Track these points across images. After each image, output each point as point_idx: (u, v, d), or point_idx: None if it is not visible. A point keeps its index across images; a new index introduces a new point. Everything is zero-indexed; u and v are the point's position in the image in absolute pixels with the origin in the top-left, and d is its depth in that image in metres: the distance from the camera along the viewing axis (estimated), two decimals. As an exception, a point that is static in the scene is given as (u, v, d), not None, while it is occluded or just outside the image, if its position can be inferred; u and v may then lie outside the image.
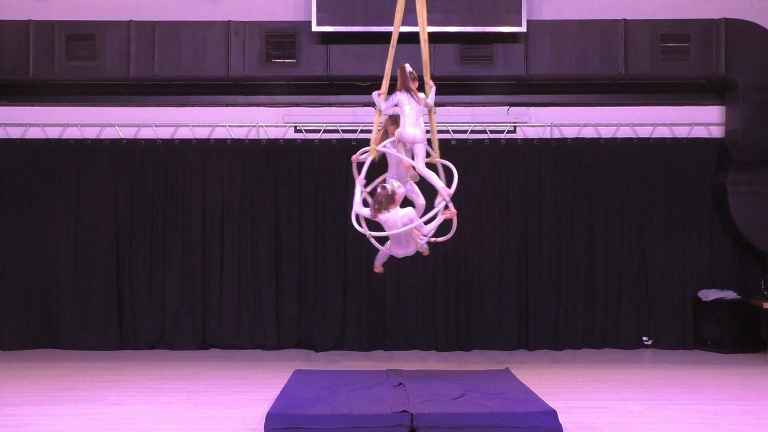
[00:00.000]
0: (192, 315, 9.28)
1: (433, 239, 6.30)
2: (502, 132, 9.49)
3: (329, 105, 9.47)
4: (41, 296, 9.29)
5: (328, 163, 9.39)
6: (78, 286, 9.28)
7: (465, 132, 9.44)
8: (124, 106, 9.43)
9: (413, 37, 7.81)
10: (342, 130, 9.47)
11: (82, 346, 9.14)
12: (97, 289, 9.27)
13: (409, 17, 6.95)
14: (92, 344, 9.14)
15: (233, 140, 9.45)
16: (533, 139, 9.48)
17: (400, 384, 6.37)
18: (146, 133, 9.47)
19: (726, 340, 8.92)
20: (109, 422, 5.84)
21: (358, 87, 9.06)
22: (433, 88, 6.48)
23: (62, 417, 5.98)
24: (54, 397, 6.63)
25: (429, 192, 6.47)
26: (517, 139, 9.49)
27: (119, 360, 8.57)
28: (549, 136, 9.51)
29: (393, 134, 6.29)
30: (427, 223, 6.19)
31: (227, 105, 9.46)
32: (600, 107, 9.51)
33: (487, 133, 9.47)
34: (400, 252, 6.25)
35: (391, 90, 6.44)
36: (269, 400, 6.06)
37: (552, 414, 5.42)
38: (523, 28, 8.39)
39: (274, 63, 8.60)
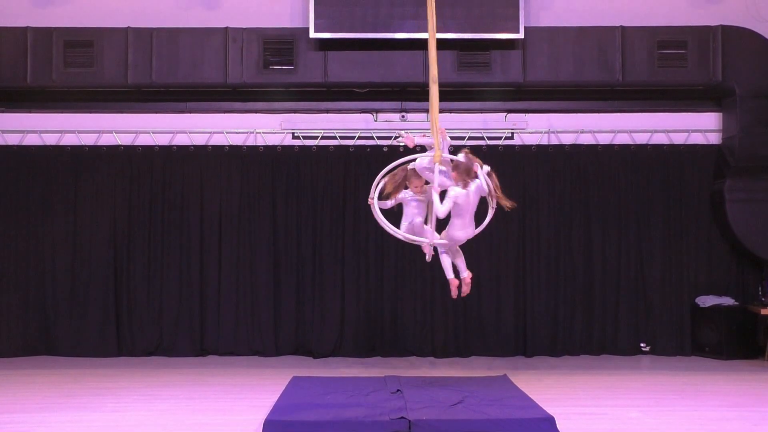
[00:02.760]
0: (190, 322, 9.26)
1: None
2: (499, 138, 9.51)
3: (327, 111, 9.48)
4: (39, 303, 9.26)
5: (326, 170, 9.40)
6: (75, 293, 9.26)
7: (462, 138, 9.44)
8: (121, 112, 9.44)
9: (409, 44, 7.86)
10: (340, 136, 9.47)
11: (80, 353, 9.11)
12: (95, 296, 9.25)
13: (409, 23, 7.00)
14: (90, 351, 9.12)
15: (231, 147, 9.46)
16: (531, 146, 9.49)
17: (397, 390, 6.36)
18: (144, 140, 9.47)
19: (724, 347, 8.92)
20: (107, 429, 5.81)
21: (356, 94, 9.08)
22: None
23: (60, 424, 5.95)
24: (51, 405, 6.60)
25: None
26: (514, 145, 9.50)
27: (117, 367, 8.54)
28: (546, 143, 9.53)
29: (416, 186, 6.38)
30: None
31: (225, 112, 9.47)
32: (597, 114, 9.53)
33: (484, 139, 9.48)
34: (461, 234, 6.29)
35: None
36: (267, 407, 6.04)
37: (550, 420, 5.41)
38: (521, 35, 8.41)
39: (272, 70, 8.62)
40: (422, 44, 8.04)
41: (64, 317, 9.23)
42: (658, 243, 9.36)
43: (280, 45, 8.61)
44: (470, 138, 9.47)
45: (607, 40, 8.66)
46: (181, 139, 9.48)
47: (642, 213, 9.40)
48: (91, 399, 6.83)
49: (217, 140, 9.50)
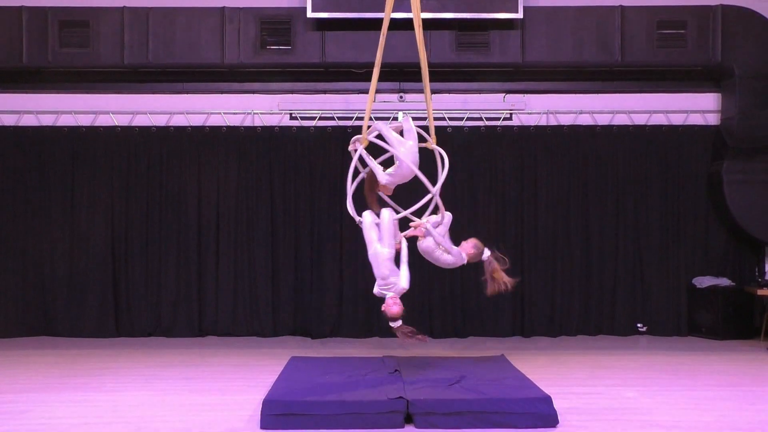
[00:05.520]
0: (188, 302, 9.29)
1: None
2: (498, 119, 9.48)
3: (324, 92, 9.44)
4: (37, 284, 9.28)
5: (324, 151, 9.38)
6: (74, 274, 9.27)
7: (461, 119, 9.42)
8: (118, 93, 9.40)
9: (407, 24, 7.79)
10: (337, 117, 9.44)
11: (79, 333, 9.14)
12: (94, 277, 9.26)
13: (404, 3, 6.91)
14: (89, 332, 9.15)
15: (228, 127, 9.42)
16: (529, 127, 9.47)
17: (395, 370, 6.39)
18: (141, 121, 9.43)
19: (720, 327, 8.97)
20: (106, 409, 5.84)
21: (353, 74, 9.04)
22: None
23: (59, 404, 5.98)
24: (51, 385, 6.63)
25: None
26: (513, 126, 9.48)
27: (116, 348, 8.57)
28: (545, 124, 9.51)
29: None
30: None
31: (222, 92, 9.43)
32: (596, 94, 9.50)
33: (483, 120, 9.45)
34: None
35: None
36: (266, 387, 6.07)
37: (547, 400, 5.44)
38: (520, 15, 8.36)
39: (269, 50, 8.56)
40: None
41: (63, 298, 9.24)
42: (656, 224, 9.38)
43: (277, 25, 8.55)
44: (468, 119, 9.45)
45: (607, 19, 8.61)
46: (179, 120, 9.45)
47: (640, 194, 9.40)
48: (91, 379, 6.87)
49: (215, 121, 9.46)
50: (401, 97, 9.39)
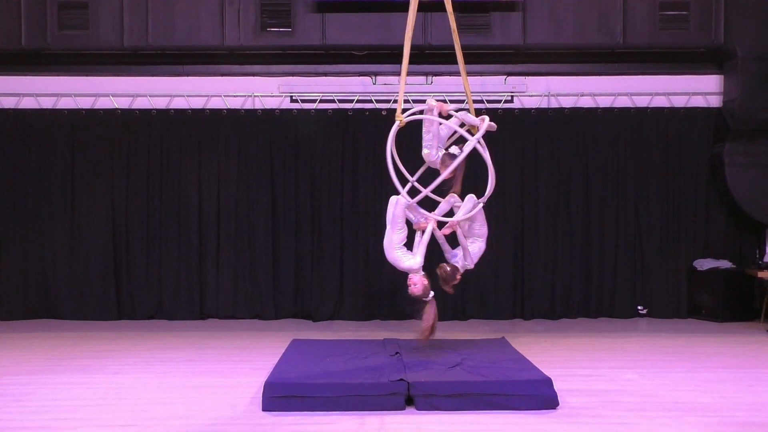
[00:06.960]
0: (189, 285, 9.30)
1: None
2: (499, 102, 9.45)
3: (325, 75, 9.40)
4: (39, 267, 9.29)
5: (325, 133, 9.36)
6: (75, 256, 9.28)
7: (462, 102, 9.37)
8: (118, 75, 9.35)
9: (419, 6, 7.73)
10: (338, 99, 9.41)
11: (81, 316, 9.16)
12: (95, 260, 9.27)
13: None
14: (90, 315, 9.17)
15: (229, 110, 9.39)
16: (530, 109, 9.44)
17: (396, 353, 6.41)
18: (141, 104, 9.40)
19: (720, 309, 8.98)
20: (109, 391, 5.87)
21: (354, 56, 8.99)
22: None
23: (61, 386, 6.01)
24: (53, 367, 6.66)
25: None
26: (514, 108, 9.45)
27: (118, 330, 8.60)
28: (546, 106, 9.47)
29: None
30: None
31: (222, 75, 9.39)
32: (598, 77, 9.45)
33: (484, 102, 9.42)
34: None
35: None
36: (267, 370, 6.09)
37: (547, 382, 5.46)
38: (521, -4, 8.31)
39: (270, 32, 8.51)
40: (421, 6, 7.91)
41: (65, 280, 9.26)
42: (657, 206, 9.38)
43: (277, 7, 8.49)
44: (469, 101, 9.40)
45: (609, 1, 8.55)
46: (179, 103, 9.42)
47: (641, 176, 9.39)
48: (93, 361, 6.90)
49: (215, 104, 9.44)
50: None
